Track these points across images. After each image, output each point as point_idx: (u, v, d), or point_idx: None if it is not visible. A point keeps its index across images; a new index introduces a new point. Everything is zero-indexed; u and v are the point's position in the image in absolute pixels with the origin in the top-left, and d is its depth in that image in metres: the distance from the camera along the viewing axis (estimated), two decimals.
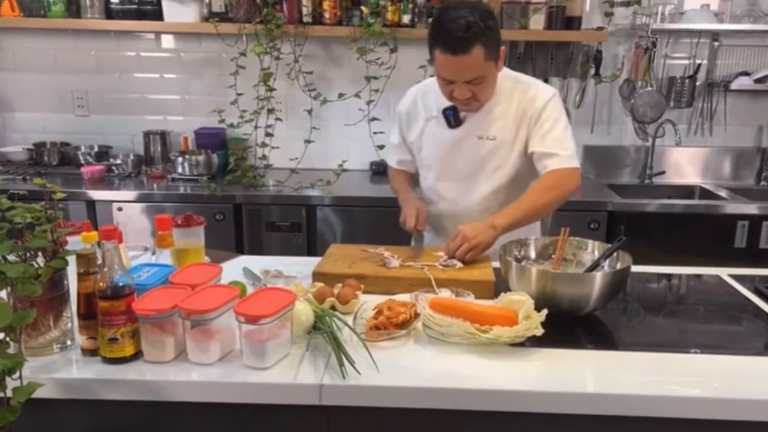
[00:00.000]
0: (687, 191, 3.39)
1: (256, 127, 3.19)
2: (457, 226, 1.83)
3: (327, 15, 3.14)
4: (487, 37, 1.72)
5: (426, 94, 2.03)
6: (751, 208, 2.92)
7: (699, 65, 3.35)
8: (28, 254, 1.27)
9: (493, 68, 1.80)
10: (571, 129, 1.95)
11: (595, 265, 1.58)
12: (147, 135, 3.44)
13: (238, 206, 2.97)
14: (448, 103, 1.93)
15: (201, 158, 3.21)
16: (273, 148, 3.19)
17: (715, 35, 3.31)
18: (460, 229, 1.79)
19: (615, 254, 1.59)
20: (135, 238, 2.14)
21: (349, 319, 1.43)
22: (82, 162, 3.32)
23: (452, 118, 1.95)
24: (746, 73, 3.32)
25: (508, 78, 1.93)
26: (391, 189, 2.24)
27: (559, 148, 1.88)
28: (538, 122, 1.89)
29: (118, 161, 3.29)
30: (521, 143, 1.93)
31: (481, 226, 1.80)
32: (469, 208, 2.03)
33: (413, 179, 2.22)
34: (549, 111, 1.89)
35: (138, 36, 3.44)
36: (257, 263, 1.81)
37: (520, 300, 1.38)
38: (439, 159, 2.03)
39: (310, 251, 2.92)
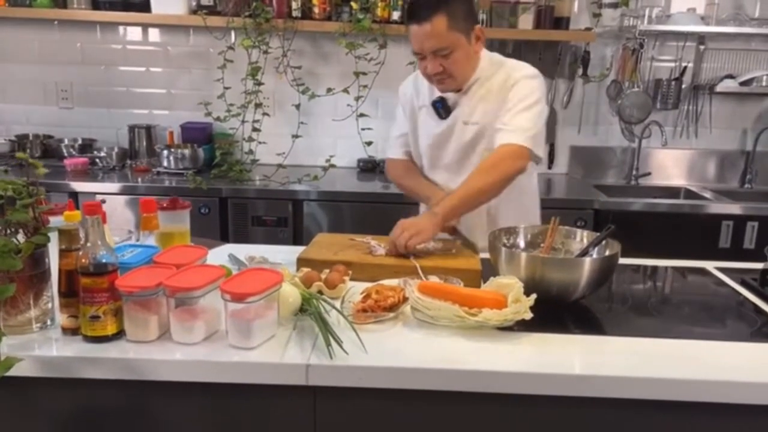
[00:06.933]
0: (672, 192, 3.41)
1: (243, 121, 3.17)
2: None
3: (316, 10, 3.13)
4: (452, 7, 1.74)
5: (419, 84, 2.02)
6: (735, 208, 2.95)
7: (685, 68, 3.38)
8: (9, 230, 1.24)
9: (461, 41, 1.78)
10: (543, 113, 1.87)
11: (584, 253, 1.57)
12: (132, 129, 3.41)
13: (223, 200, 2.94)
14: (437, 95, 1.94)
15: (187, 152, 3.18)
16: (260, 143, 3.18)
17: (701, 38, 3.34)
18: (404, 223, 1.74)
19: (603, 243, 1.59)
20: (118, 232, 2.10)
21: (337, 304, 1.41)
22: (65, 154, 3.28)
23: (441, 110, 1.95)
24: (731, 76, 3.35)
25: (494, 62, 1.93)
26: (401, 186, 2.13)
27: (512, 124, 1.83)
28: (506, 99, 1.87)
29: (102, 154, 3.25)
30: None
31: (430, 217, 1.76)
32: None
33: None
34: (519, 87, 1.86)
35: (124, 29, 3.41)
36: (243, 251, 1.79)
37: (509, 283, 1.37)
38: (430, 148, 2.02)
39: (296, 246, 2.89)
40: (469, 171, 1.93)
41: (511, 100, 1.85)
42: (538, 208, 2.15)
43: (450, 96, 1.93)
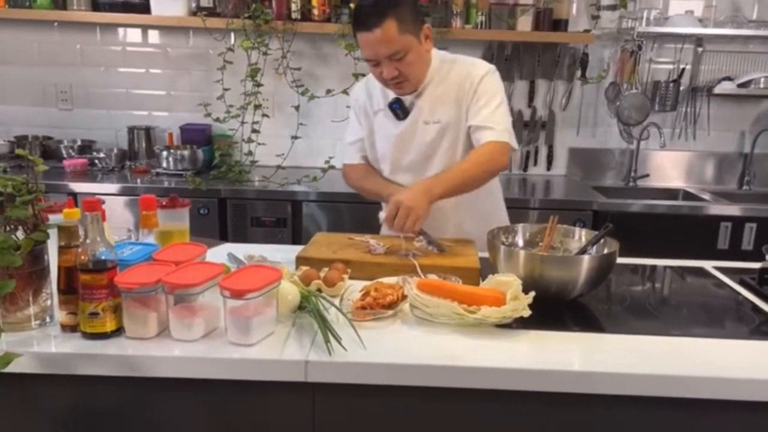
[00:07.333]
0: (671, 194, 3.41)
1: (242, 122, 3.17)
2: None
3: (316, 12, 3.14)
4: (399, 10, 1.74)
5: (371, 88, 2.03)
6: (734, 210, 2.95)
7: (683, 70, 3.39)
8: (9, 227, 1.24)
9: (413, 42, 1.79)
10: (507, 105, 1.93)
11: (583, 251, 1.58)
12: (131, 130, 3.41)
13: (222, 201, 2.94)
14: (392, 96, 1.94)
15: (186, 153, 3.18)
16: (259, 144, 3.18)
17: (698, 40, 3.35)
18: (400, 200, 1.69)
19: (602, 242, 1.60)
20: (118, 231, 2.10)
21: (336, 302, 1.41)
22: (65, 155, 3.28)
23: (399, 110, 1.95)
24: (729, 78, 3.36)
25: (446, 61, 1.94)
26: (361, 188, 2.13)
27: (493, 122, 1.86)
28: (474, 97, 1.89)
29: (101, 155, 3.25)
30: (465, 120, 1.92)
31: (419, 193, 1.72)
32: None
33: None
34: (485, 85, 1.89)
35: (124, 30, 3.42)
36: (242, 250, 1.79)
37: (508, 281, 1.37)
38: (391, 151, 2.01)
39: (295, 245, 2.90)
40: (433, 170, 1.95)
41: (482, 97, 1.88)
42: (504, 209, 2.17)
43: (406, 97, 1.93)
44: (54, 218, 1.41)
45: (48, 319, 1.31)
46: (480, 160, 1.84)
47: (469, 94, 1.89)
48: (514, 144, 1.89)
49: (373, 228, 1.98)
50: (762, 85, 3.30)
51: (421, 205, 1.70)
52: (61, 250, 1.25)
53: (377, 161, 2.08)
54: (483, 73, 1.90)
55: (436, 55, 1.93)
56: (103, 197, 2.87)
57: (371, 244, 1.77)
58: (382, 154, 2.05)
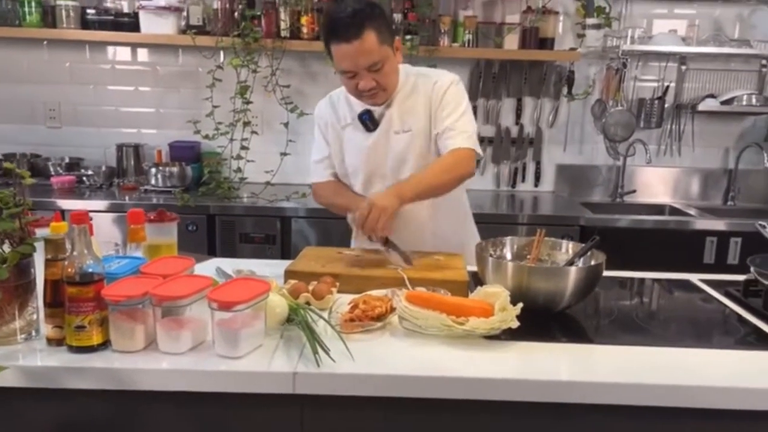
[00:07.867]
0: (657, 210, 3.44)
1: (231, 139, 3.18)
2: (395, 223, 1.80)
3: (305, 30, 3.17)
4: (377, 21, 1.76)
5: (336, 104, 2.04)
6: (719, 224, 2.98)
7: (667, 87, 3.44)
8: None
9: (390, 53, 1.82)
10: (471, 113, 1.97)
11: (570, 263, 1.59)
12: (120, 148, 3.41)
13: (211, 217, 2.94)
14: (359, 110, 1.95)
15: (175, 170, 3.18)
16: (248, 161, 3.19)
17: (682, 59, 3.41)
18: (372, 202, 1.72)
19: (588, 254, 1.61)
20: (105, 246, 2.09)
21: (325, 314, 1.41)
22: (53, 173, 3.27)
23: (369, 122, 1.97)
24: (713, 96, 3.41)
25: (411, 74, 1.98)
26: (333, 205, 2.09)
27: (458, 130, 1.90)
28: (440, 105, 1.93)
29: (89, 172, 3.24)
30: (433, 128, 1.95)
31: (391, 195, 1.76)
32: None
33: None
34: (450, 95, 1.93)
35: (113, 48, 3.43)
36: (230, 264, 1.79)
37: (495, 292, 1.38)
38: (363, 163, 2.01)
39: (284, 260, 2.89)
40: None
41: (447, 106, 1.92)
42: (472, 219, 2.21)
43: (375, 108, 1.95)
44: (41, 232, 1.41)
45: (34, 333, 1.30)
46: (449, 167, 1.87)
47: (436, 103, 1.93)
48: (479, 150, 1.92)
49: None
50: (744, 102, 3.35)
51: (393, 205, 1.73)
52: (48, 263, 1.25)
53: (347, 176, 2.08)
54: (448, 83, 1.94)
55: (402, 68, 1.96)
56: (90, 214, 2.88)
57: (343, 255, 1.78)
58: (353, 168, 2.04)
